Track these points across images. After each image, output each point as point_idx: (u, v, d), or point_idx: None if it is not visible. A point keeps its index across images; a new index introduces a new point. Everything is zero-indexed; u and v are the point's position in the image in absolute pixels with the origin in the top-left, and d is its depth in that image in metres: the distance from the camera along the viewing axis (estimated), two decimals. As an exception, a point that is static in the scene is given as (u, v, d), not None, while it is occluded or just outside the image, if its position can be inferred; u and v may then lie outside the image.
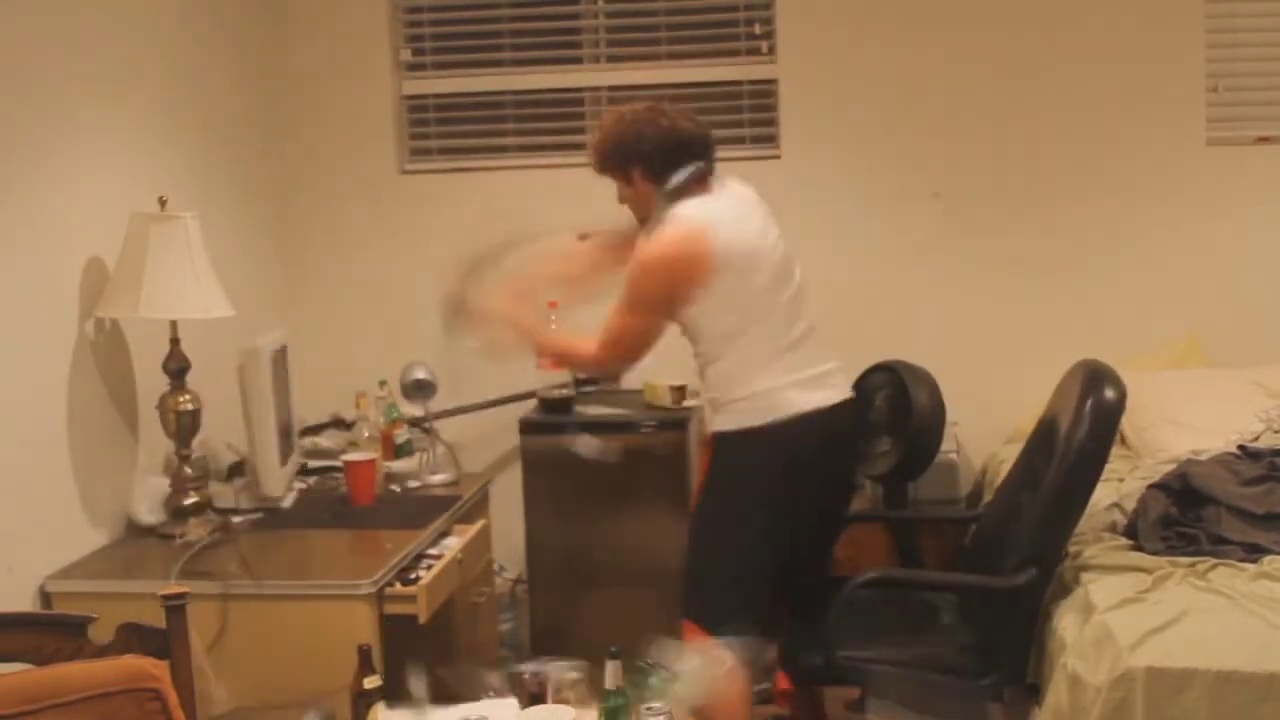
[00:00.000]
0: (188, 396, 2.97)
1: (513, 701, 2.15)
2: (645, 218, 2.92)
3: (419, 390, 3.68)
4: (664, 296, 2.83)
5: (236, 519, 3.05)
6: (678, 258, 2.79)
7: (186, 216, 2.95)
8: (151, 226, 2.88)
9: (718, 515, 2.90)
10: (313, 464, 3.60)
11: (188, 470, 2.98)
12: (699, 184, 2.88)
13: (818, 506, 2.96)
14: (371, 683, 2.03)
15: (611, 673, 2.15)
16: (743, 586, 2.83)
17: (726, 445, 2.88)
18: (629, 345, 2.93)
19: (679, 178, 2.86)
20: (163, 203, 2.93)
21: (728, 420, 2.88)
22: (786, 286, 2.89)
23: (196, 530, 2.93)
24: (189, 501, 2.97)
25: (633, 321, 2.88)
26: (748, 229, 2.86)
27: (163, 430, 3.01)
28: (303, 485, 3.43)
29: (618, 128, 2.93)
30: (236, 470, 3.24)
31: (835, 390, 2.91)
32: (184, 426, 2.97)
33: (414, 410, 3.84)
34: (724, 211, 2.84)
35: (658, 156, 2.87)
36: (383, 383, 3.77)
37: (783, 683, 3.09)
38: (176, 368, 2.97)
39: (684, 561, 2.93)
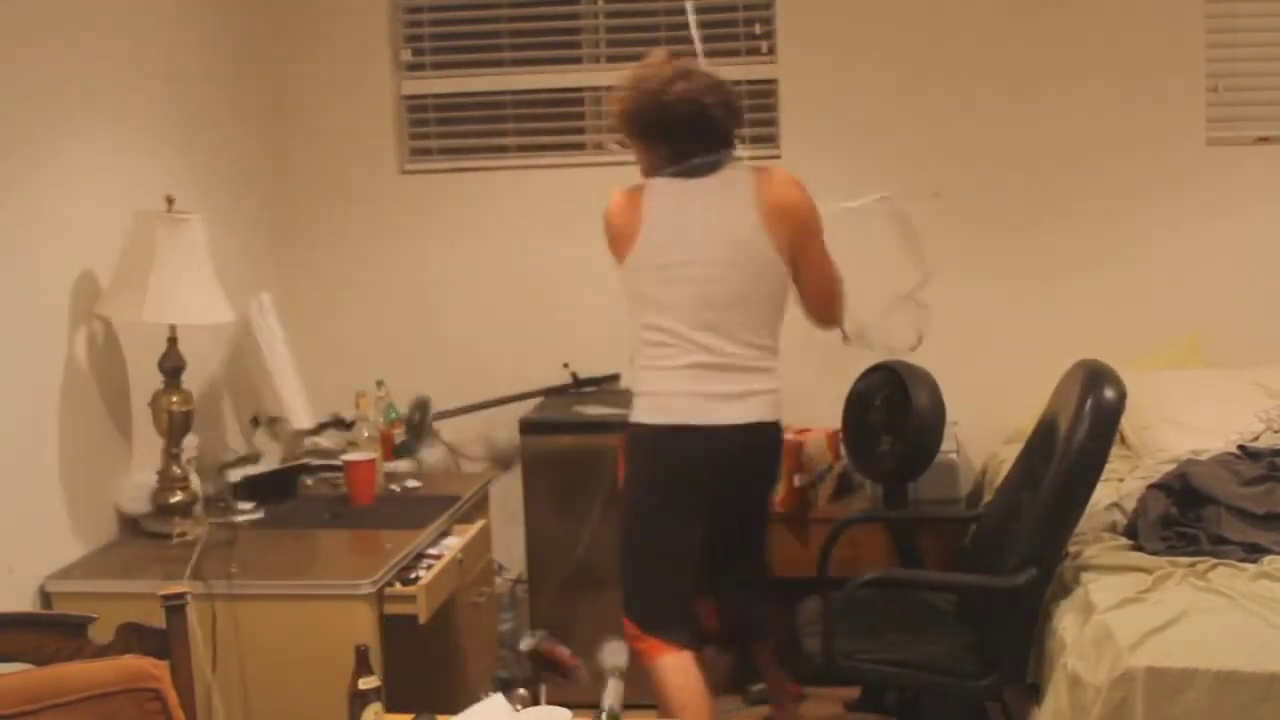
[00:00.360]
0: (181, 396, 2.97)
1: (501, 700, 2.13)
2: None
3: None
4: (609, 235, 2.96)
5: (236, 519, 3.05)
6: (612, 211, 2.93)
7: (193, 217, 2.95)
8: (158, 227, 2.88)
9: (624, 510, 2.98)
10: (313, 463, 3.60)
11: (176, 469, 2.98)
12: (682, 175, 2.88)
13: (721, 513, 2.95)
14: (368, 683, 2.03)
15: (613, 692, 2.12)
16: (659, 585, 2.88)
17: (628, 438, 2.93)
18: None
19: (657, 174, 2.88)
20: (170, 202, 2.93)
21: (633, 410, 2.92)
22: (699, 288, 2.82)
23: (191, 528, 2.93)
24: (176, 499, 2.96)
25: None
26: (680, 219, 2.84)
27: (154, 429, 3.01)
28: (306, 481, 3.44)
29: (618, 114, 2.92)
30: (260, 422, 3.26)
31: (728, 412, 2.83)
32: (176, 425, 2.97)
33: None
34: (674, 195, 2.85)
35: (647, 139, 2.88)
36: (380, 382, 3.78)
37: (712, 620, 3.12)
38: (172, 366, 2.97)
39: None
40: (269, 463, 3.40)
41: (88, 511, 2.91)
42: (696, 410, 2.80)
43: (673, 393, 2.82)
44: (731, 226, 2.81)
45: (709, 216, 2.82)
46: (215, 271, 3.01)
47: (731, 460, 2.86)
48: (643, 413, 2.87)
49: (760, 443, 2.91)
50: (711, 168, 2.84)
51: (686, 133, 2.81)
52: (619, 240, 2.89)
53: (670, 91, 2.79)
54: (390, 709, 2.16)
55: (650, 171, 2.89)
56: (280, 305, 4.04)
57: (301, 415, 3.44)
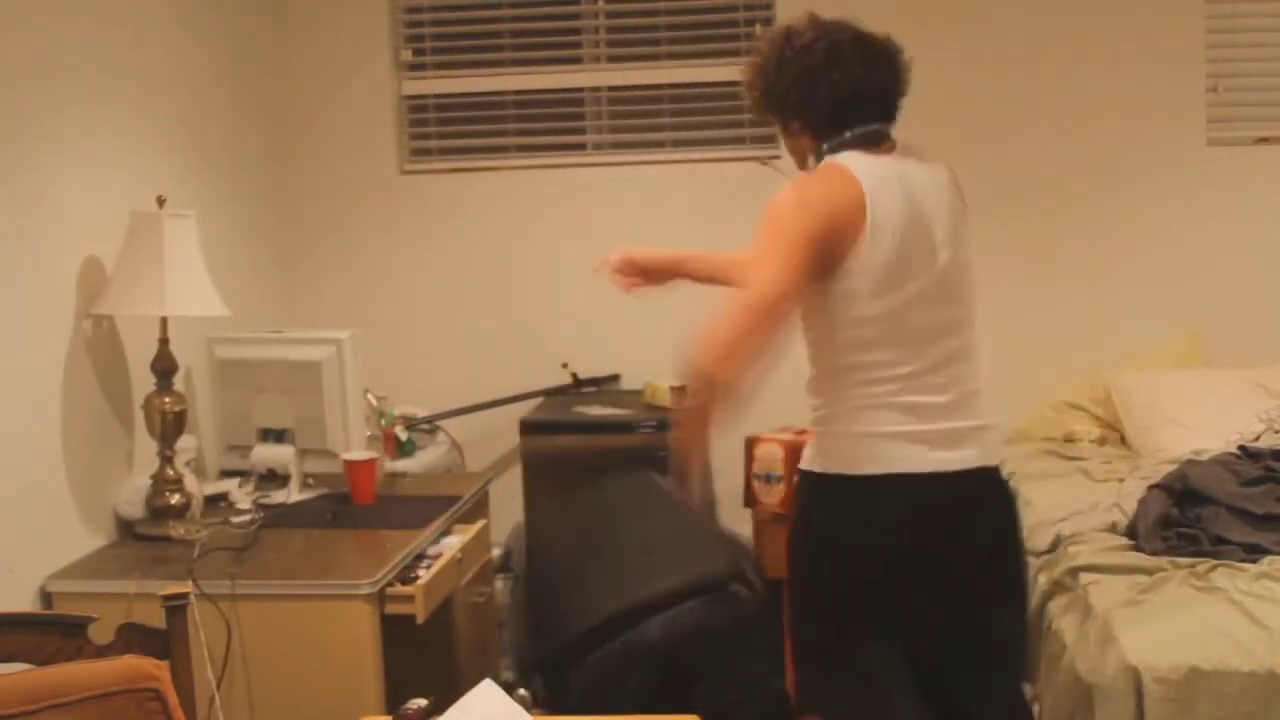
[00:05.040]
0: (173, 398, 2.97)
1: (491, 684, 2.09)
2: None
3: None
4: (811, 231, 2.13)
5: (236, 519, 3.05)
6: (822, 191, 2.19)
7: (184, 215, 2.96)
8: (150, 225, 2.89)
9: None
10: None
11: (170, 471, 2.98)
12: (870, 146, 2.26)
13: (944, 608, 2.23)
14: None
15: None
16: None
17: (804, 489, 2.31)
18: (760, 308, 2.09)
19: (844, 139, 2.25)
20: (161, 201, 2.94)
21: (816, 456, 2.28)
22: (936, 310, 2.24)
23: (188, 530, 2.93)
24: (170, 501, 2.96)
25: (767, 272, 2.11)
26: (908, 207, 2.20)
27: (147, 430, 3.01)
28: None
29: (778, 64, 2.27)
30: (279, 437, 3.25)
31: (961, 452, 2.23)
32: (169, 427, 2.97)
33: (414, 411, 3.86)
34: (888, 174, 2.21)
35: (822, 110, 2.25)
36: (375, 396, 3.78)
37: None
38: (163, 368, 2.97)
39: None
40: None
41: (88, 512, 2.91)
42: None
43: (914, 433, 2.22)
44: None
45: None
46: (209, 268, 3.01)
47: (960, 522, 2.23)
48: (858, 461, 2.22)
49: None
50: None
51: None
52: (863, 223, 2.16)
53: (844, 61, 2.27)
54: (389, 709, 2.16)
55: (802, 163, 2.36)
56: (280, 305, 4.06)
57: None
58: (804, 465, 2.30)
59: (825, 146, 2.26)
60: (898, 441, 2.19)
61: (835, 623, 2.25)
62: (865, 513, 2.20)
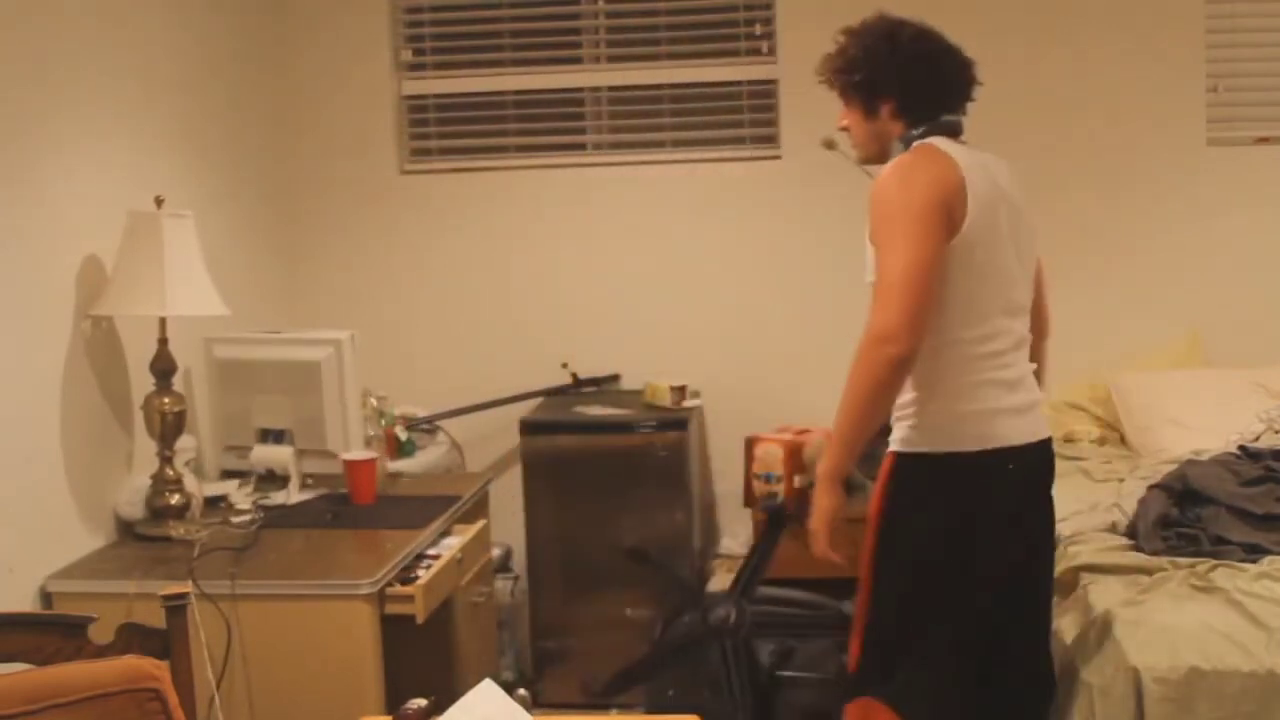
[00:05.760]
0: (172, 398, 2.97)
1: (491, 684, 2.11)
2: (869, 159, 2.49)
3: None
4: (928, 202, 2.23)
5: (236, 519, 3.05)
6: (927, 166, 2.29)
7: (183, 215, 2.96)
8: (149, 225, 2.89)
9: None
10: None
11: (170, 471, 2.98)
12: (952, 135, 2.41)
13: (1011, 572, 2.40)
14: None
15: None
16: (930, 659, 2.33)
17: (900, 469, 2.38)
18: (906, 278, 2.18)
19: (934, 125, 2.38)
20: (159, 202, 2.94)
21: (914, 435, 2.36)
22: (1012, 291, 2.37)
23: (187, 530, 2.93)
24: (170, 502, 2.96)
25: (899, 249, 2.21)
26: (995, 191, 2.34)
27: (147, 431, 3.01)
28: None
29: (884, 45, 2.41)
30: (279, 437, 3.25)
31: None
32: (168, 427, 2.97)
33: (414, 411, 3.86)
34: (972, 161, 2.34)
35: (925, 95, 2.39)
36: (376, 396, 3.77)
37: None
38: (163, 369, 2.97)
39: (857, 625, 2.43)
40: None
41: (88, 512, 2.91)
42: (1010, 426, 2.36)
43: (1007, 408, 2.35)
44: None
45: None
46: (209, 267, 3.01)
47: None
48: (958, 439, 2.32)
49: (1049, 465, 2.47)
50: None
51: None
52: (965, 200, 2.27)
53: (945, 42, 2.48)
54: (389, 709, 2.16)
55: (873, 150, 2.47)
56: (280, 305, 4.06)
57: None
58: (903, 448, 2.37)
59: (915, 131, 2.38)
60: (1000, 416, 2.33)
61: (923, 597, 2.33)
62: (976, 485, 2.32)
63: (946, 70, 2.42)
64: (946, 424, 2.32)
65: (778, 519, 2.95)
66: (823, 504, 2.36)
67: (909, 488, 2.35)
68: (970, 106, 2.52)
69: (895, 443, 2.38)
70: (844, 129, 2.51)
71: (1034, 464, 2.39)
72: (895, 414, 2.37)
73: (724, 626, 2.90)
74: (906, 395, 2.34)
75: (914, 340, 2.18)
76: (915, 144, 2.35)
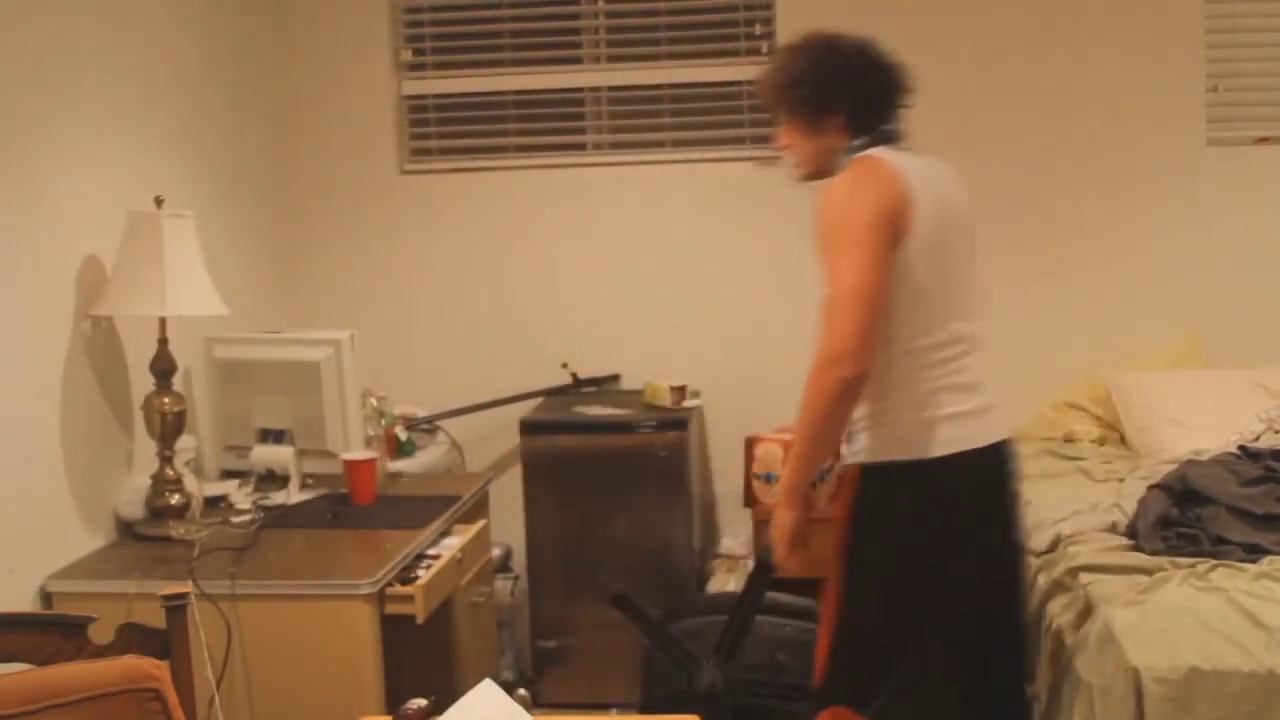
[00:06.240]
0: (172, 398, 2.97)
1: (491, 684, 2.11)
2: (812, 175, 2.46)
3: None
4: (875, 217, 2.22)
5: (236, 519, 3.05)
6: (872, 179, 2.28)
7: (183, 215, 2.96)
8: (149, 225, 2.89)
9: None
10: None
11: (170, 472, 2.98)
12: (894, 143, 2.41)
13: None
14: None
15: None
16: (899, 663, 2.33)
17: (869, 480, 2.36)
18: (856, 290, 2.18)
19: (875, 135, 2.38)
20: (159, 202, 2.94)
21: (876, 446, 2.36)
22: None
23: (187, 530, 2.93)
24: (170, 502, 2.96)
25: (848, 260, 2.20)
26: (939, 196, 2.34)
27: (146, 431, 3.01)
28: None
29: (829, 58, 2.41)
30: (279, 437, 3.25)
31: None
32: (168, 427, 2.97)
33: (414, 411, 3.86)
34: (916, 169, 2.34)
35: (871, 105, 2.39)
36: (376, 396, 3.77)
37: None
38: (162, 369, 2.97)
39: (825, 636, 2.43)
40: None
41: (88, 512, 2.91)
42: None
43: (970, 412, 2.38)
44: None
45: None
46: (209, 267, 3.01)
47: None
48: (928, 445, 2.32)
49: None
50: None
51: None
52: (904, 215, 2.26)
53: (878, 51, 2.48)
54: (389, 709, 2.16)
55: (816, 167, 2.45)
56: (280, 305, 4.06)
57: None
58: (864, 458, 2.35)
59: (856, 143, 2.37)
60: (958, 421, 2.33)
61: (898, 609, 2.33)
62: (938, 492, 2.32)
63: (891, 80, 2.43)
64: (908, 432, 2.31)
65: (765, 569, 2.86)
66: (783, 519, 2.38)
67: (876, 499, 2.34)
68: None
69: (858, 454, 2.37)
70: (785, 149, 2.49)
71: (996, 466, 2.40)
72: (854, 425, 2.36)
73: (711, 694, 2.87)
74: (865, 407, 2.33)
75: (866, 360, 2.19)
76: (857, 155, 2.34)
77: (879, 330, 2.21)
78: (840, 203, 2.26)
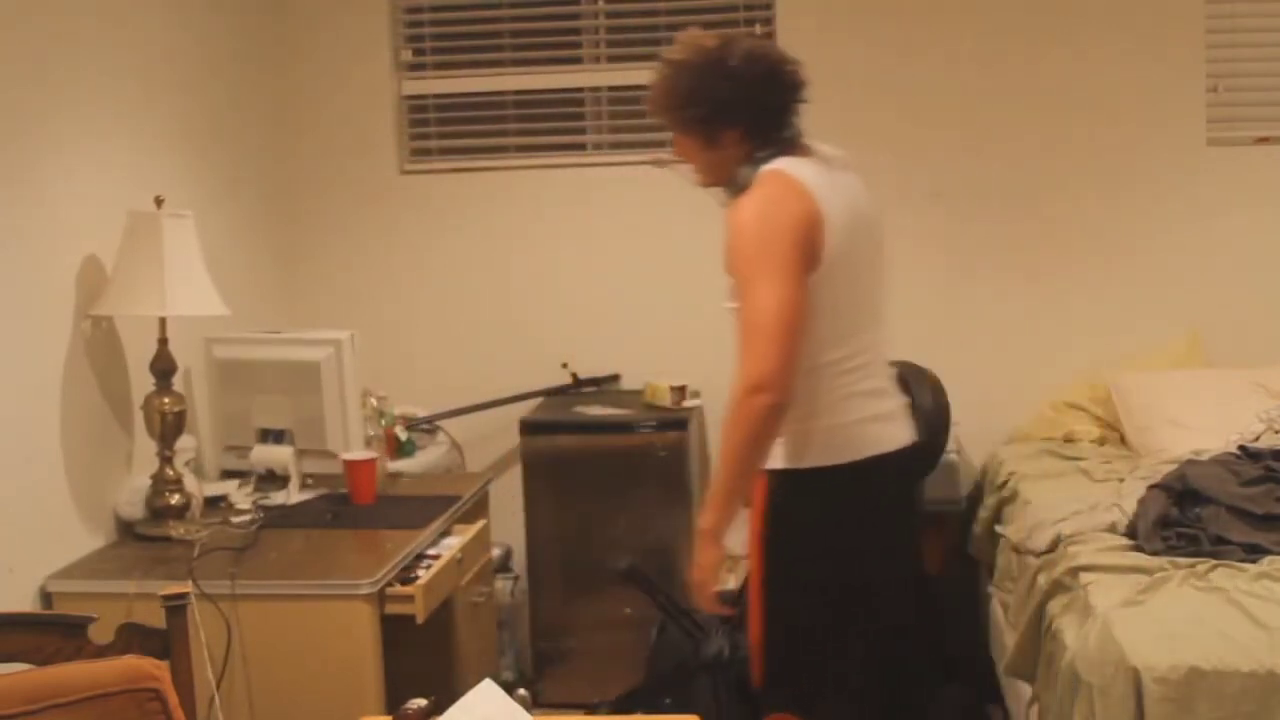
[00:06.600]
0: (172, 398, 2.97)
1: (491, 685, 2.11)
2: (712, 183, 2.43)
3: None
4: (790, 240, 2.20)
5: (236, 519, 3.05)
6: (784, 200, 2.25)
7: (183, 215, 2.96)
8: (149, 225, 2.89)
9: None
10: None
11: (170, 472, 2.98)
12: (798, 151, 2.36)
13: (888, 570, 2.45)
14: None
15: None
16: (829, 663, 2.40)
17: (780, 486, 2.36)
18: (776, 313, 2.16)
19: (779, 144, 2.35)
20: (159, 202, 2.94)
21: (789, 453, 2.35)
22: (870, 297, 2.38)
23: (187, 530, 2.93)
24: (170, 502, 2.96)
25: (765, 284, 2.18)
26: (846, 203, 2.32)
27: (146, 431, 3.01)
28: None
29: (722, 73, 2.32)
30: (279, 437, 3.25)
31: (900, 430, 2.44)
32: (168, 427, 2.97)
33: (414, 411, 3.86)
34: (823, 181, 2.31)
35: (769, 114, 2.34)
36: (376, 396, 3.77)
37: None
38: (162, 369, 2.97)
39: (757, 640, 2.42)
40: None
41: (88, 512, 2.91)
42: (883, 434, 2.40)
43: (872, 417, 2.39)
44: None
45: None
46: (209, 267, 3.01)
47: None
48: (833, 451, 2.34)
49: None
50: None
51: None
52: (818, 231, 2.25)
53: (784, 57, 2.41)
54: (389, 709, 2.16)
55: (716, 178, 2.43)
56: (280, 305, 4.06)
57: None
58: (782, 465, 2.34)
59: (761, 154, 2.33)
60: (872, 424, 2.36)
61: (826, 612, 2.36)
62: (856, 494, 2.35)
63: (787, 83, 2.36)
64: (822, 440, 2.32)
65: (635, 580, 2.94)
66: (705, 559, 2.32)
67: (792, 506, 2.34)
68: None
69: (774, 459, 2.33)
70: (680, 161, 2.46)
71: (904, 469, 2.44)
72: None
73: (717, 662, 2.87)
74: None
75: (790, 384, 2.18)
76: (765, 169, 2.30)
77: (799, 355, 2.20)
78: (754, 222, 2.23)
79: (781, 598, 2.35)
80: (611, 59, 4.22)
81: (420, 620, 2.75)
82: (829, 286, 2.25)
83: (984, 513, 3.66)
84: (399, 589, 2.74)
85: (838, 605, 2.35)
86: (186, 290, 2.92)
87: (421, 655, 2.98)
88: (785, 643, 2.36)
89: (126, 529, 3.00)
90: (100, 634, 2.06)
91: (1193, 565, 2.62)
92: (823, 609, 2.35)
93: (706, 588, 2.33)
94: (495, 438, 4.14)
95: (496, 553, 3.79)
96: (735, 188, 2.33)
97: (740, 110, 2.33)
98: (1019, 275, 4.07)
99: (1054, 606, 2.70)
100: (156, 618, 2.10)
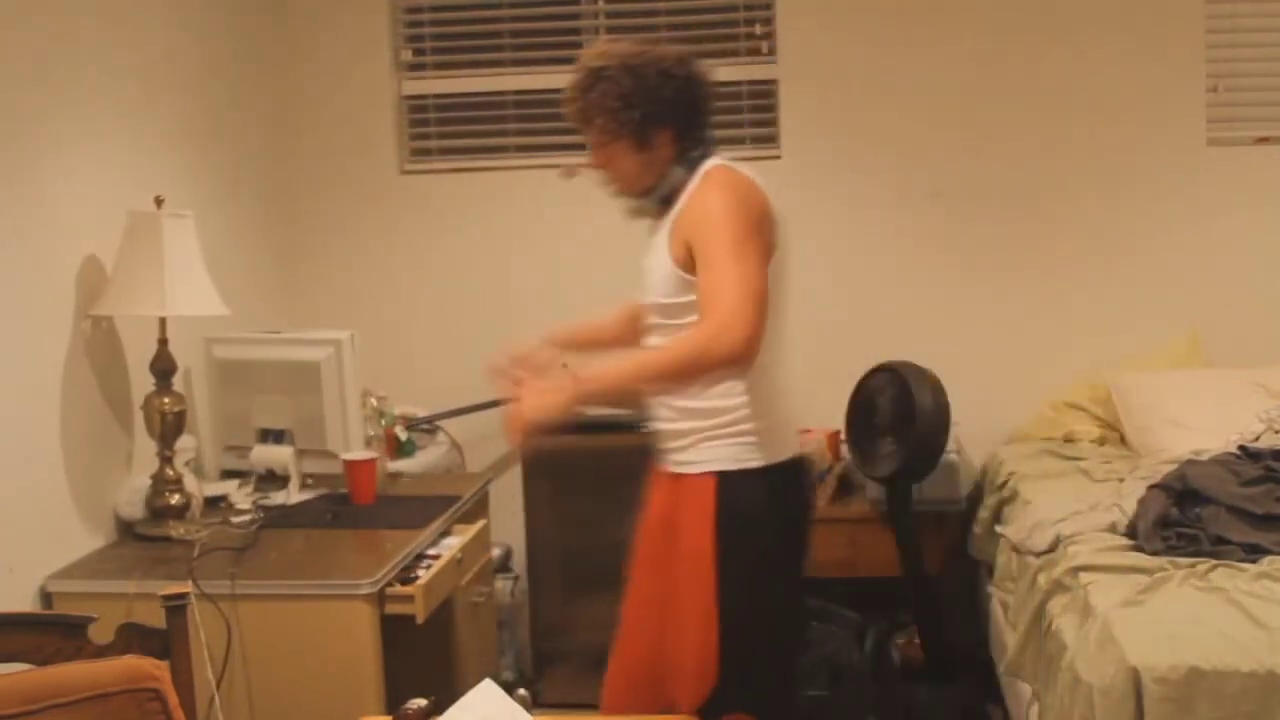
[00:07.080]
0: (172, 398, 2.97)
1: (491, 684, 2.12)
2: (638, 191, 2.43)
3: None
4: (762, 226, 2.26)
5: (236, 519, 3.05)
6: (750, 189, 2.29)
7: (183, 215, 2.96)
8: (149, 225, 2.89)
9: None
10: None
11: (170, 471, 2.98)
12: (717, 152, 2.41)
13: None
14: None
15: None
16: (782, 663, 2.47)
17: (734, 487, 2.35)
18: (760, 294, 2.17)
19: (709, 145, 2.38)
20: (159, 202, 2.94)
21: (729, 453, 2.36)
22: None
23: (187, 530, 2.93)
24: (170, 502, 2.96)
25: (751, 263, 2.19)
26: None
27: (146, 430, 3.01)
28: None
29: (654, 74, 2.33)
30: (279, 437, 3.25)
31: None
32: (168, 427, 2.97)
33: (414, 411, 3.86)
34: (758, 177, 2.36)
35: (698, 115, 2.37)
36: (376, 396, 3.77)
37: None
38: (162, 369, 2.97)
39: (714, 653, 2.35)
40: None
41: (88, 512, 2.91)
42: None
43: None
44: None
45: None
46: (209, 267, 3.01)
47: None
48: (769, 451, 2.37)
49: None
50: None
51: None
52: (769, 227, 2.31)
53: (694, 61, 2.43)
54: (389, 709, 2.16)
55: (646, 182, 2.41)
56: (280, 305, 4.06)
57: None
58: (732, 466, 2.33)
59: (693, 155, 2.36)
60: (791, 425, 2.45)
61: (779, 609, 2.41)
62: (791, 493, 2.41)
63: (708, 87, 2.41)
64: (765, 439, 2.33)
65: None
66: (555, 401, 2.22)
67: (748, 505, 2.33)
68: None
69: (716, 461, 2.33)
70: (600, 168, 2.46)
71: (810, 468, 2.55)
72: (701, 435, 2.35)
73: None
74: (706, 419, 2.33)
75: (753, 363, 2.20)
76: (710, 166, 2.32)
77: (760, 325, 2.18)
78: (734, 207, 2.22)
79: (740, 599, 2.32)
80: (611, 59, 4.21)
81: (420, 620, 2.75)
82: (774, 284, 2.26)
83: (984, 513, 3.66)
84: (399, 589, 2.74)
85: (792, 601, 2.44)
86: (186, 290, 2.92)
87: (421, 655, 2.98)
88: (743, 642, 2.32)
89: (126, 529, 3.00)
90: (100, 634, 2.06)
91: (1193, 565, 2.62)
92: (781, 606, 2.40)
93: (531, 423, 2.22)
94: (495, 438, 4.13)
95: (496, 553, 3.79)
96: (665, 189, 2.35)
97: (680, 111, 2.35)
98: (1019, 275, 4.07)
99: (1054, 606, 2.70)
100: (156, 618, 2.10)
